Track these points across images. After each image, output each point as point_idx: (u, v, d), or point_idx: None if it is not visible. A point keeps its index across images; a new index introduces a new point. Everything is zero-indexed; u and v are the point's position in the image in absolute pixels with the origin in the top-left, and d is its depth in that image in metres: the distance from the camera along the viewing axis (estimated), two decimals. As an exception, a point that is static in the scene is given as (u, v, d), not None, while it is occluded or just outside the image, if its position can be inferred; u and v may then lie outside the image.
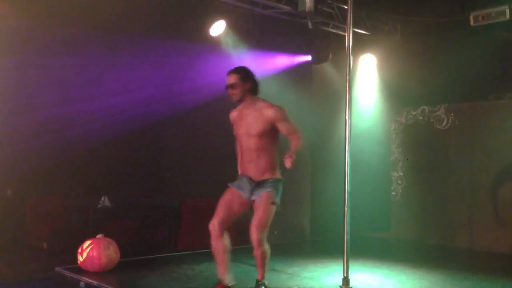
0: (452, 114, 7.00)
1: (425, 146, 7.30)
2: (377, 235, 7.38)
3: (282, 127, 4.11)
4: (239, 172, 4.28)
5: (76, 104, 6.64)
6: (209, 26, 6.56)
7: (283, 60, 7.36)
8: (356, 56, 7.23)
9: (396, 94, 7.37)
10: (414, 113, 7.43)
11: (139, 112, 7.06)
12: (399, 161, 7.58)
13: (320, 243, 6.85)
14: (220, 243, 4.02)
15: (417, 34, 6.95)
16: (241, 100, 4.18)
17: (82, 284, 4.50)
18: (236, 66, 4.24)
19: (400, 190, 7.53)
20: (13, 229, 6.74)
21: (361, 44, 7.03)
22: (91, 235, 4.96)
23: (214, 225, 4.01)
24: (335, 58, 7.09)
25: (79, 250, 4.82)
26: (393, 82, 7.29)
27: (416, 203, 7.28)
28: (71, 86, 6.56)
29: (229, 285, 4.07)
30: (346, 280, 4.41)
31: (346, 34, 4.51)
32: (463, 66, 6.26)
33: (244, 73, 4.16)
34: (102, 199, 6.68)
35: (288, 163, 3.90)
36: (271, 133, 4.10)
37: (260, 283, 4.20)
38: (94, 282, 4.43)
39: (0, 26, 5.35)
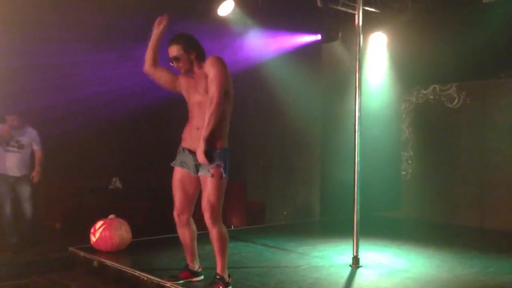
0: (464, 93, 6.93)
1: (436, 125, 7.26)
2: (387, 215, 7.39)
3: (208, 75, 3.51)
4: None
5: (87, 87, 6.66)
6: (217, 6, 6.50)
7: (292, 40, 7.29)
8: (366, 34, 7.12)
9: (407, 73, 7.30)
10: (424, 92, 7.36)
11: (149, 94, 7.07)
12: (409, 141, 7.55)
13: (330, 223, 6.88)
14: (187, 231, 3.82)
15: (428, 11, 6.82)
16: (189, 71, 3.70)
17: (95, 263, 4.58)
18: (176, 35, 3.70)
19: (410, 170, 7.51)
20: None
21: (371, 22, 6.90)
22: (103, 216, 5.02)
23: (177, 215, 3.77)
24: (344, 37, 7.02)
25: (92, 230, 4.89)
26: (404, 60, 7.20)
27: (426, 183, 7.26)
28: (82, 70, 6.56)
29: (198, 270, 3.92)
30: (356, 259, 4.45)
31: (356, 12, 4.46)
32: (474, 44, 6.17)
33: (186, 42, 3.64)
34: (113, 180, 6.75)
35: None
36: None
37: (218, 277, 3.62)
38: (107, 261, 4.50)
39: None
